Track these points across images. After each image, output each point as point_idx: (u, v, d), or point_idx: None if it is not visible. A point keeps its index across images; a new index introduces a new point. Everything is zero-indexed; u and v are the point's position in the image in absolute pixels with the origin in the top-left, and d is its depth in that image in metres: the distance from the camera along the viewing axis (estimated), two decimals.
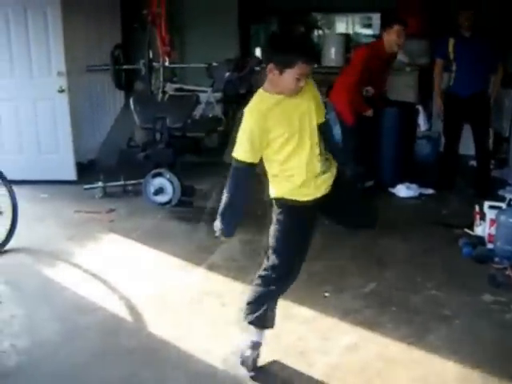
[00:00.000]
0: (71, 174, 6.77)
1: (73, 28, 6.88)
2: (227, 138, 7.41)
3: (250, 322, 3.16)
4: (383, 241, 4.96)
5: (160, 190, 5.44)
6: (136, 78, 7.60)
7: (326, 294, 4.04)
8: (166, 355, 3.38)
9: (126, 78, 7.68)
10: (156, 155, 5.47)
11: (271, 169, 3.02)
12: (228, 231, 3.02)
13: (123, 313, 3.88)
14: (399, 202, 6.10)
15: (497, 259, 4.48)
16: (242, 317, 3.21)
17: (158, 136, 5.65)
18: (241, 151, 2.88)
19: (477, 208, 4.97)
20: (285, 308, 3.71)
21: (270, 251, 3.08)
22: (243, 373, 3.16)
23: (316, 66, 2.84)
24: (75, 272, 4.52)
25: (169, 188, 5.43)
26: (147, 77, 6.81)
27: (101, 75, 7.69)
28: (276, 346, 3.38)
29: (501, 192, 5.93)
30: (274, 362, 3.27)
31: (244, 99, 7.25)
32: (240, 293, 4.10)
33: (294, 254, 3.09)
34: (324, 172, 3.01)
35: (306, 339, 3.50)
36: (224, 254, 4.74)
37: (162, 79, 7.10)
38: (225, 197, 2.96)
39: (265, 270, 3.11)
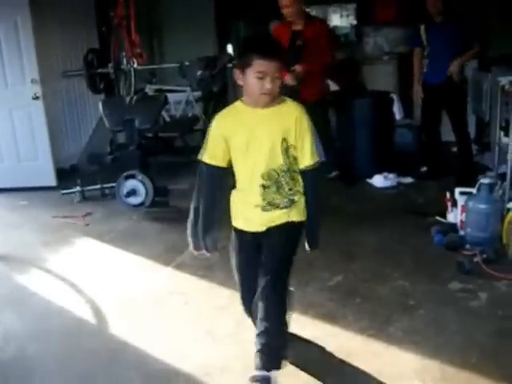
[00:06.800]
0: (51, 180, 6.78)
1: (47, 35, 6.94)
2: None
3: None
4: (354, 232, 4.94)
5: (132, 192, 5.44)
6: (113, 81, 7.60)
7: (291, 289, 3.99)
8: (124, 356, 3.38)
9: (104, 81, 7.66)
10: (124, 157, 5.47)
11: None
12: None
13: (87, 315, 3.88)
14: (375, 192, 6.07)
15: (467, 246, 4.42)
16: None
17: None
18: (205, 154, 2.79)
19: (448, 195, 4.92)
20: None
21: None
22: (198, 372, 3.14)
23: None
24: (46, 277, 4.52)
25: (141, 189, 5.42)
26: (115, 80, 6.80)
27: (79, 80, 7.70)
28: (238, 341, 3.39)
29: (480, 178, 5.86)
30: (237, 359, 3.24)
31: (221, 96, 7.36)
32: (204, 290, 4.10)
33: None
34: (269, 209, 2.81)
35: None
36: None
37: (132, 82, 7.07)
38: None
39: None
